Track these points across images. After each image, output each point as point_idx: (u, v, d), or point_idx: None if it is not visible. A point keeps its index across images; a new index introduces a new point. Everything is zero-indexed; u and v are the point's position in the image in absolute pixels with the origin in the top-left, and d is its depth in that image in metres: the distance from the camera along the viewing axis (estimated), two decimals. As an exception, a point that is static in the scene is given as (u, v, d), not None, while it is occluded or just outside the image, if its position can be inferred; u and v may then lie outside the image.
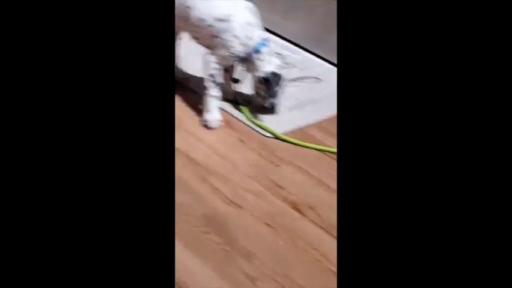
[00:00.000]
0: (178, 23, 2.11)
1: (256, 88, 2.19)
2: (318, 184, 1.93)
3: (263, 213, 1.80)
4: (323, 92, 2.40)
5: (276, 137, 2.12)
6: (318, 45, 2.61)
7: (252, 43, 2.09)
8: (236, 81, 2.26)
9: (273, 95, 2.15)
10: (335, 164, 1.99)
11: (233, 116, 2.23)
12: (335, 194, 1.87)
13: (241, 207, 1.81)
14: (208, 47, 2.16)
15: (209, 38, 2.11)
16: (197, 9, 2.10)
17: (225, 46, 2.09)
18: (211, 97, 2.15)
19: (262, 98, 2.18)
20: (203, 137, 2.12)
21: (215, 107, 2.16)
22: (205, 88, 2.15)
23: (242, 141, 2.11)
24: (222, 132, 2.15)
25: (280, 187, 1.90)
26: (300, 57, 2.63)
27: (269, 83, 2.12)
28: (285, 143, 2.11)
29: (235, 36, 2.07)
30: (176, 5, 2.07)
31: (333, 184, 1.90)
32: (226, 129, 2.17)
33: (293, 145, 2.10)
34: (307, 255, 1.68)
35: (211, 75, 2.13)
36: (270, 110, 2.21)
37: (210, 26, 2.09)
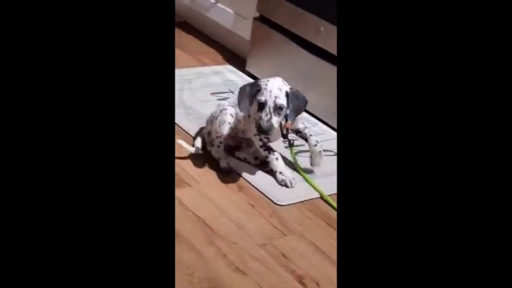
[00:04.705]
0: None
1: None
2: (325, 258, 1.91)
3: (267, 284, 1.78)
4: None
5: (321, 197, 2.20)
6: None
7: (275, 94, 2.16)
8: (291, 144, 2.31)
9: (292, 109, 2.15)
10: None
11: (246, 180, 2.22)
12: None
13: (246, 275, 1.79)
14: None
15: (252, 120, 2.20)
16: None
17: (263, 108, 2.13)
18: (276, 160, 2.24)
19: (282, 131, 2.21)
20: (214, 198, 2.12)
21: (284, 167, 2.24)
22: (266, 157, 2.25)
23: (252, 206, 2.10)
24: (233, 195, 2.15)
25: (287, 258, 1.88)
26: (319, 130, 2.65)
27: (287, 97, 2.15)
28: (295, 211, 2.10)
29: (269, 92, 2.14)
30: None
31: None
32: (238, 193, 2.16)
33: (303, 214, 2.09)
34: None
35: (262, 146, 2.24)
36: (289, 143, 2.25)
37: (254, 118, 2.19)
